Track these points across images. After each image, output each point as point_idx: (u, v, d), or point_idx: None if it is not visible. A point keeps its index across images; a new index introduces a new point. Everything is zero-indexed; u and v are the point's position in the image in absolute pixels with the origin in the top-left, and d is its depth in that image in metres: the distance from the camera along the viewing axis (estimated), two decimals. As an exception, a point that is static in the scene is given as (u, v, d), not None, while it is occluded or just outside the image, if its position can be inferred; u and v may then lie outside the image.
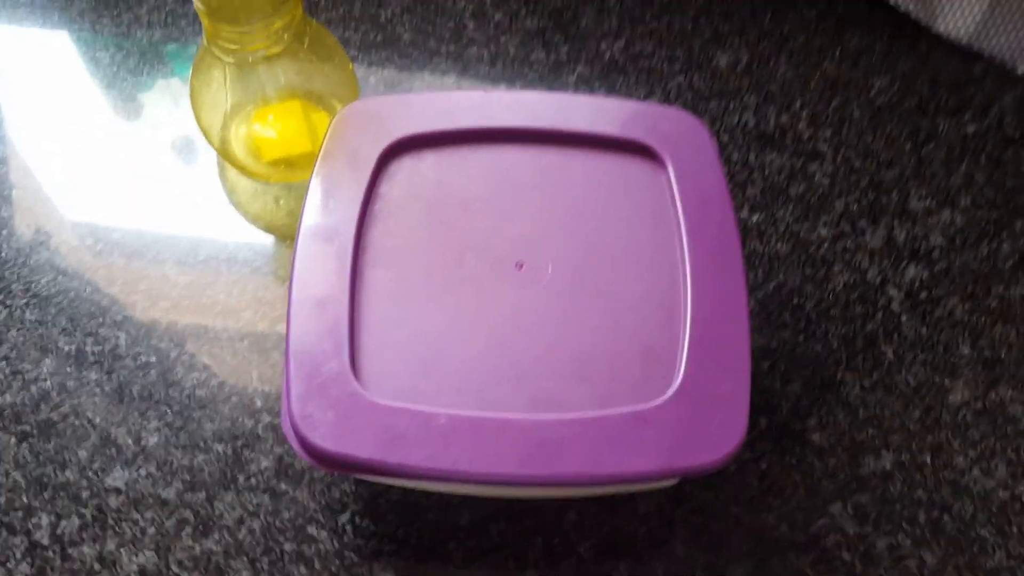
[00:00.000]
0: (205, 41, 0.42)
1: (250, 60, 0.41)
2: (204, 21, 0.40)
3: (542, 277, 0.37)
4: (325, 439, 0.32)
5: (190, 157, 0.49)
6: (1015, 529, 0.39)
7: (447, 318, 0.36)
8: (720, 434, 0.32)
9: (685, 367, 0.34)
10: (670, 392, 0.33)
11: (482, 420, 0.33)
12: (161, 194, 0.48)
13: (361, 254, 0.37)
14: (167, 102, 0.51)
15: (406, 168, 0.40)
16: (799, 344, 0.44)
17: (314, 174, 0.39)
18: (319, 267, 0.36)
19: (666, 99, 0.52)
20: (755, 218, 0.47)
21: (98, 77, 0.52)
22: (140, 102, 0.52)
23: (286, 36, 0.41)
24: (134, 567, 0.38)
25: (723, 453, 0.32)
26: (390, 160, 0.40)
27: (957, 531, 0.39)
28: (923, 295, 0.45)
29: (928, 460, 0.41)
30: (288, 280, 0.36)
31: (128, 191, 0.48)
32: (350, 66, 0.47)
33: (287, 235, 0.47)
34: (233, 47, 0.41)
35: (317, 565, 0.38)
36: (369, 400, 0.33)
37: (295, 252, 0.36)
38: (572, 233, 0.38)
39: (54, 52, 0.53)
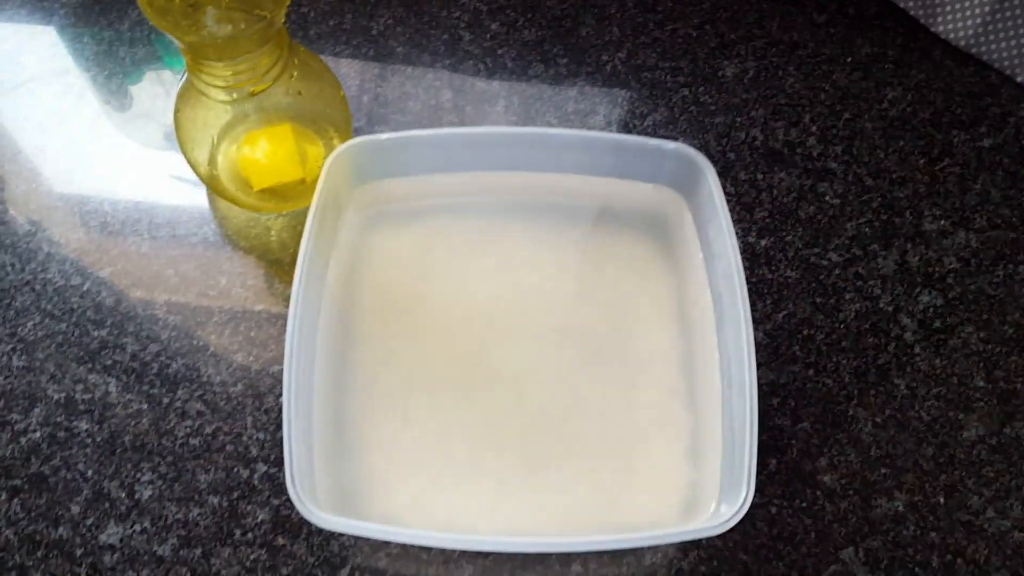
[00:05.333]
0: (187, 74, 0.40)
1: (235, 96, 0.40)
2: (186, 58, 0.38)
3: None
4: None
5: (182, 181, 0.48)
6: (1031, 573, 0.38)
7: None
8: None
9: None
10: None
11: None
12: (151, 225, 0.46)
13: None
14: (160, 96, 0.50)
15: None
16: (809, 379, 0.42)
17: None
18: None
19: (671, 114, 0.50)
20: (763, 243, 0.46)
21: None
22: (131, 97, 0.50)
23: (273, 71, 0.39)
24: (131, 627, 0.37)
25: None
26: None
27: (971, 576, 0.38)
28: (936, 324, 0.44)
29: (942, 500, 0.40)
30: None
31: (116, 224, 0.46)
32: (340, 92, 0.45)
33: (281, 268, 0.45)
34: (218, 84, 0.39)
35: (317, 622, 0.37)
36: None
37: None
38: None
39: (39, 53, 0.52)
